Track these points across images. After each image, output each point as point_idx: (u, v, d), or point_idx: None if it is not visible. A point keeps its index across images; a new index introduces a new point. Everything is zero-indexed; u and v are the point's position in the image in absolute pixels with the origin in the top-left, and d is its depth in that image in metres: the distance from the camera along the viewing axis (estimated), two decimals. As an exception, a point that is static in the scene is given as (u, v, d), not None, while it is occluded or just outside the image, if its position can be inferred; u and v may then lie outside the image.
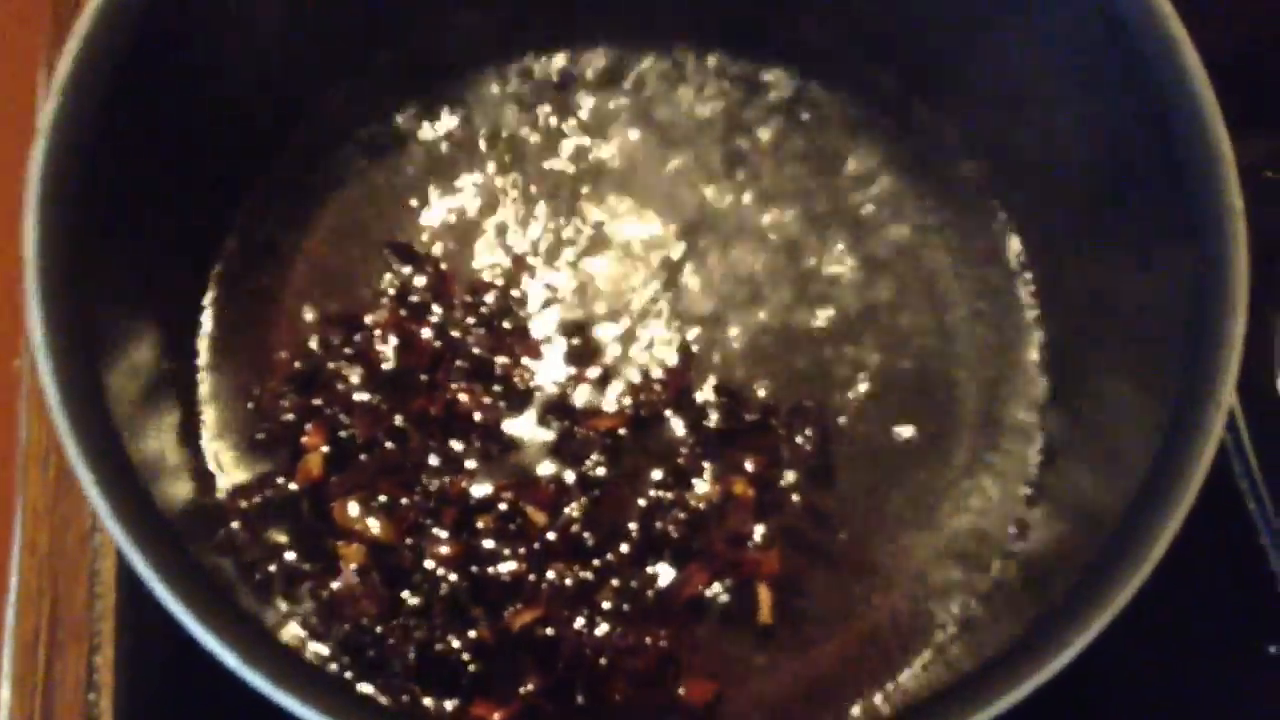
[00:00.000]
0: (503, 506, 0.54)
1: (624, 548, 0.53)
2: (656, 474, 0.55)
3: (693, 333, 0.59)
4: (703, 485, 0.55)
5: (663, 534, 0.54)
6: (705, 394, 0.57)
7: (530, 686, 0.50)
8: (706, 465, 0.55)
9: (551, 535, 0.53)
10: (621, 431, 0.56)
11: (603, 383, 0.57)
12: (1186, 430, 0.43)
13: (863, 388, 0.58)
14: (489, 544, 0.53)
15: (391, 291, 0.58)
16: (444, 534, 0.53)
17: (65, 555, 0.57)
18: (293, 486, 0.54)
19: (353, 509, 0.53)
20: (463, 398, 0.56)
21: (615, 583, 0.53)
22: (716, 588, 0.53)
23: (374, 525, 0.53)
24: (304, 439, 0.54)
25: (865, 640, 0.53)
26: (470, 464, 0.55)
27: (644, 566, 0.53)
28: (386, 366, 0.56)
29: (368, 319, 0.57)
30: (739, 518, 0.54)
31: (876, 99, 0.63)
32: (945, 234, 0.61)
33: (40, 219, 0.44)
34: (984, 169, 0.61)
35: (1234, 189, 0.44)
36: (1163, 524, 0.41)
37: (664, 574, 0.53)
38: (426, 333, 0.57)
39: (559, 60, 0.63)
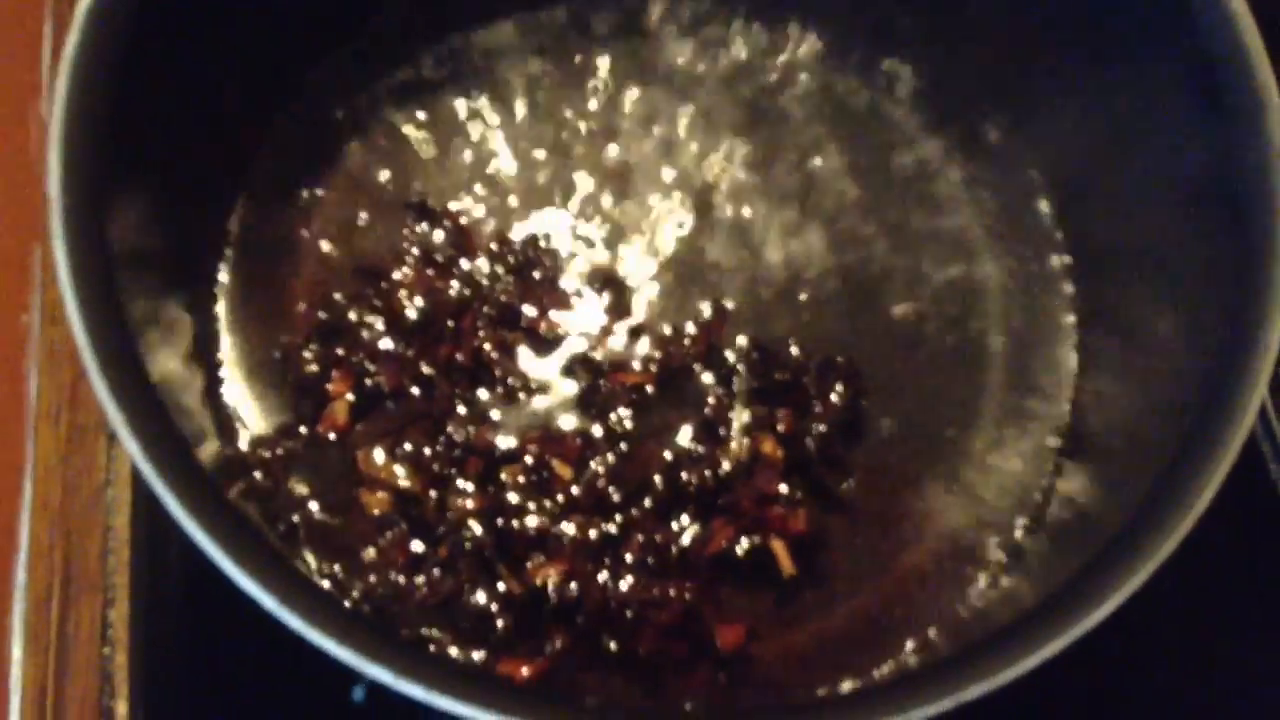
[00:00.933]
0: (528, 459, 0.53)
1: (649, 503, 0.53)
2: (685, 429, 0.55)
3: (724, 286, 0.58)
4: (731, 442, 0.54)
5: (688, 490, 0.53)
6: (736, 349, 0.56)
7: (558, 644, 0.50)
8: (735, 422, 0.55)
9: (576, 489, 0.53)
10: (649, 388, 0.55)
11: (632, 336, 0.57)
12: (1231, 379, 0.42)
13: (892, 344, 0.57)
14: (513, 497, 0.52)
15: (416, 252, 0.57)
16: (469, 485, 0.52)
17: (77, 510, 0.57)
18: (318, 435, 0.53)
19: (378, 456, 0.52)
20: (489, 346, 0.55)
21: (640, 538, 0.52)
22: (742, 544, 0.53)
23: (399, 473, 0.52)
24: (330, 386, 0.54)
25: (890, 597, 0.53)
26: (496, 414, 0.54)
27: (668, 522, 0.53)
28: (412, 315, 0.56)
29: (394, 275, 0.56)
30: (766, 476, 0.54)
31: (900, 53, 0.62)
32: (975, 190, 0.60)
33: (64, 157, 0.43)
34: (1011, 125, 0.61)
35: (1280, 132, 0.43)
36: (1208, 476, 0.41)
37: (689, 530, 0.53)
38: (453, 284, 0.57)
39: (580, 11, 0.62)
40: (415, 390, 0.54)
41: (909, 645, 0.52)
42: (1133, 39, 0.51)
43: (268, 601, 0.38)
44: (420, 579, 0.51)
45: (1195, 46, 0.45)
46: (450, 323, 0.55)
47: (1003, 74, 0.60)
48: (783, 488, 0.53)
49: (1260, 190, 0.43)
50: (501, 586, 0.51)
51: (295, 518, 0.52)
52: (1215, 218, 0.46)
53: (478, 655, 0.50)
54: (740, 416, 0.55)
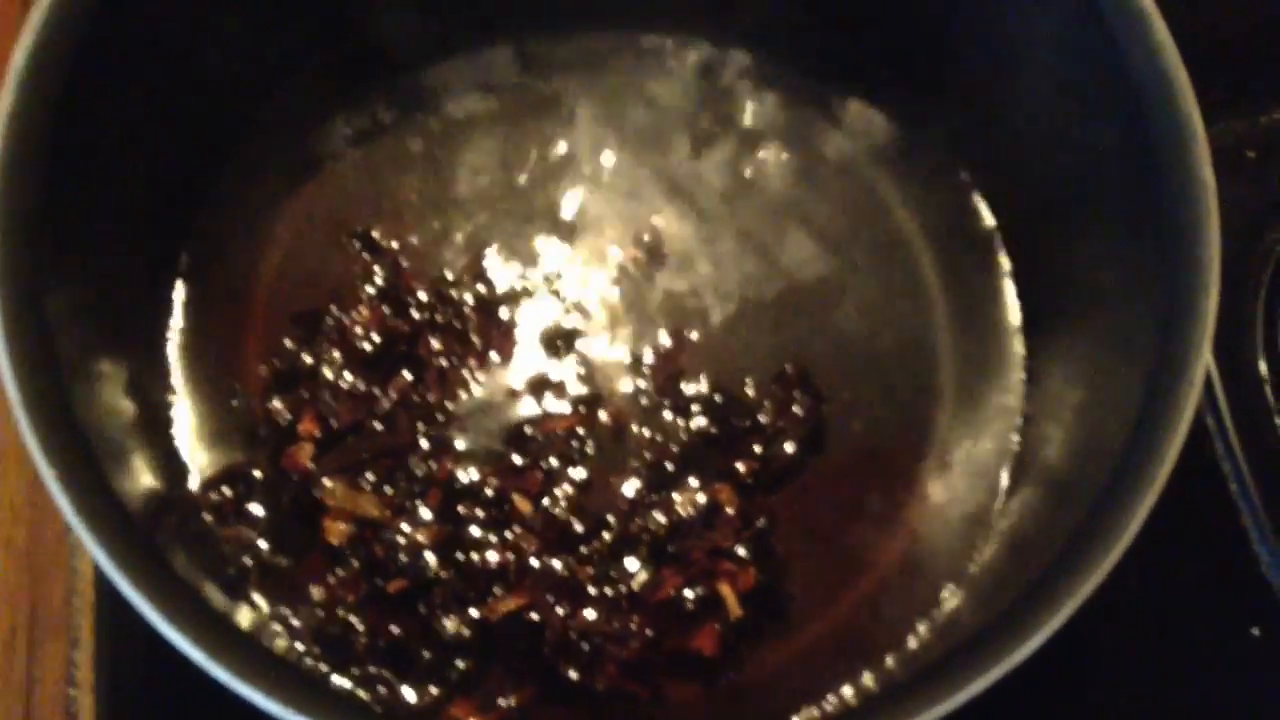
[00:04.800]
0: (489, 492, 0.53)
1: (606, 539, 0.53)
2: (642, 473, 0.55)
3: (678, 319, 0.58)
4: (688, 489, 0.54)
5: (641, 536, 0.53)
6: (694, 390, 0.56)
7: (513, 701, 0.50)
8: (694, 468, 0.55)
9: (536, 524, 0.53)
10: (580, 430, 0.55)
11: (583, 373, 0.57)
12: (1161, 407, 0.42)
13: (846, 362, 0.57)
14: (473, 530, 0.53)
15: (370, 290, 0.58)
16: (429, 515, 0.53)
17: (43, 552, 0.57)
18: (269, 475, 0.53)
19: (338, 488, 0.53)
20: (443, 366, 0.55)
21: (596, 574, 0.52)
22: (689, 594, 0.53)
23: (360, 503, 0.53)
24: (299, 427, 0.54)
25: (846, 622, 0.53)
26: (459, 445, 0.55)
27: (621, 562, 0.53)
28: (366, 348, 0.56)
29: (344, 316, 0.57)
30: (723, 531, 0.53)
31: (836, 76, 0.62)
32: (921, 212, 0.60)
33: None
34: (953, 143, 0.61)
35: (1205, 164, 0.43)
36: (1137, 501, 0.41)
37: (641, 573, 0.53)
38: (412, 312, 0.57)
39: (527, 49, 0.62)
40: (375, 424, 0.54)
41: (865, 672, 0.52)
42: (1058, 66, 0.51)
43: (195, 654, 0.38)
44: (372, 617, 0.51)
45: (1122, 77, 0.46)
46: (403, 347, 0.56)
47: (948, 95, 0.60)
48: (740, 550, 0.53)
49: (1190, 215, 0.44)
50: (456, 621, 0.51)
51: (246, 559, 0.52)
52: (1153, 241, 0.46)
53: (432, 692, 0.50)
54: (700, 461, 0.55)
